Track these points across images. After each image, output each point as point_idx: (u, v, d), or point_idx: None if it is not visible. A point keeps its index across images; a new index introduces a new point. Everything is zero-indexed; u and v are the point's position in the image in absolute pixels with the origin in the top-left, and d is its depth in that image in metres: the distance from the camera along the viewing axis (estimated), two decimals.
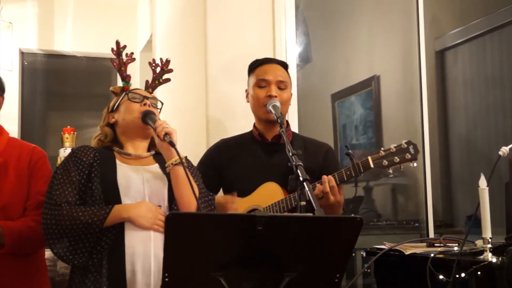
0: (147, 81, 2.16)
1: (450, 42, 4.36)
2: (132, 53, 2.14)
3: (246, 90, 2.29)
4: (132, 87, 2.08)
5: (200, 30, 3.11)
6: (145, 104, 1.98)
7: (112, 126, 2.03)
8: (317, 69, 4.11)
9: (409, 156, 2.04)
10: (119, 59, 2.10)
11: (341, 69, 4.35)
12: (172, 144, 1.82)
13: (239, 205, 2.11)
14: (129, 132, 2.00)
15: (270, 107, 2.09)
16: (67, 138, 3.44)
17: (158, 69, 2.16)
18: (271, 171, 2.14)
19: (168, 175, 1.90)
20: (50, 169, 2.17)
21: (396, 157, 2.03)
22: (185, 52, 3.09)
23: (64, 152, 3.43)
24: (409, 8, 3.80)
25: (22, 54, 3.65)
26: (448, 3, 4.39)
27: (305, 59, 3.83)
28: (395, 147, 2.06)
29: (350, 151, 2.03)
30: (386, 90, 4.12)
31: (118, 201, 1.84)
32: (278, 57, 3.07)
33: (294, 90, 3.27)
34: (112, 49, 2.10)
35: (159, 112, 2.04)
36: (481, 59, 4.21)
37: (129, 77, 2.11)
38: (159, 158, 1.97)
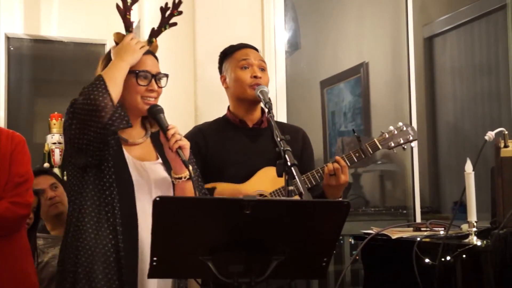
0: (152, 29, 1.99)
1: (439, 29, 4.37)
2: None
3: (221, 77, 2.28)
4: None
5: (188, 17, 3.09)
6: (151, 90, 1.84)
7: None
8: (306, 56, 4.10)
9: (411, 137, 2.23)
10: (124, 2, 1.87)
11: (330, 56, 4.35)
12: (185, 164, 1.71)
13: (238, 191, 2.10)
14: (127, 109, 1.85)
15: (258, 93, 2.08)
16: (54, 124, 3.42)
17: (167, 13, 1.96)
18: (258, 157, 2.14)
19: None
20: (28, 153, 2.18)
21: (400, 139, 2.22)
22: (173, 38, 3.06)
23: (52, 138, 3.41)
24: None
25: (8, 39, 3.61)
26: None
27: (294, 46, 3.82)
28: (395, 129, 2.23)
29: (357, 134, 2.17)
30: (374, 77, 4.13)
31: (133, 198, 1.77)
32: (267, 43, 3.07)
33: (283, 76, 3.27)
34: None
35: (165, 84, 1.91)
36: (468, 46, 4.23)
37: (132, 24, 1.92)
38: (159, 150, 1.89)
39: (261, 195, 2.10)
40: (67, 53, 4.11)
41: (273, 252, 1.41)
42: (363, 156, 2.15)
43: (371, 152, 2.17)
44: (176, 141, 1.74)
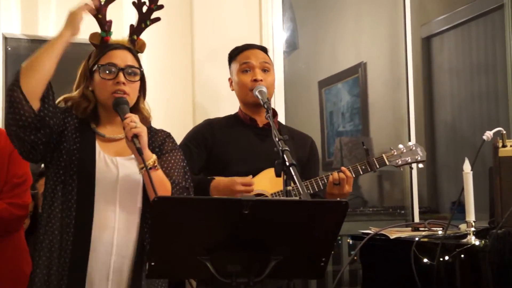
0: (131, 26, 1.88)
1: (436, 28, 4.37)
2: None
3: (229, 79, 2.30)
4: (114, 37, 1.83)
5: (186, 16, 3.09)
6: (118, 83, 1.77)
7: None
8: (304, 56, 4.10)
9: (419, 157, 2.26)
10: (96, 2, 1.76)
11: (328, 56, 4.35)
12: (139, 152, 1.65)
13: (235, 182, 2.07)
14: (105, 107, 1.83)
15: (257, 93, 2.09)
16: None
17: (144, 9, 1.85)
18: (264, 156, 2.13)
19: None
20: None
21: (408, 158, 2.25)
22: (172, 37, 3.07)
23: None
24: None
25: (6, 39, 3.59)
26: None
27: (292, 46, 3.82)
28: (405, 147, 2.26)
29: (366, 147, 2.20)
30: (372, 77, 4.13)
31: (92, 197, 1.73)
32: (265, 43, 3.06)
33: (281, 76, 3.27)
34: None
35: (139, 79, 1.83)
36: (466, 45, 4.24)
37: (109, 23, 1.82)
38: None
39: (260, 194, 2.10)
40: (65, 53, 4.09)
41: (271, 252, 1.40)
42: (369, 170, 2.17)
43: (378, 166, 2.19)
44: (130, 128, 1.67)
